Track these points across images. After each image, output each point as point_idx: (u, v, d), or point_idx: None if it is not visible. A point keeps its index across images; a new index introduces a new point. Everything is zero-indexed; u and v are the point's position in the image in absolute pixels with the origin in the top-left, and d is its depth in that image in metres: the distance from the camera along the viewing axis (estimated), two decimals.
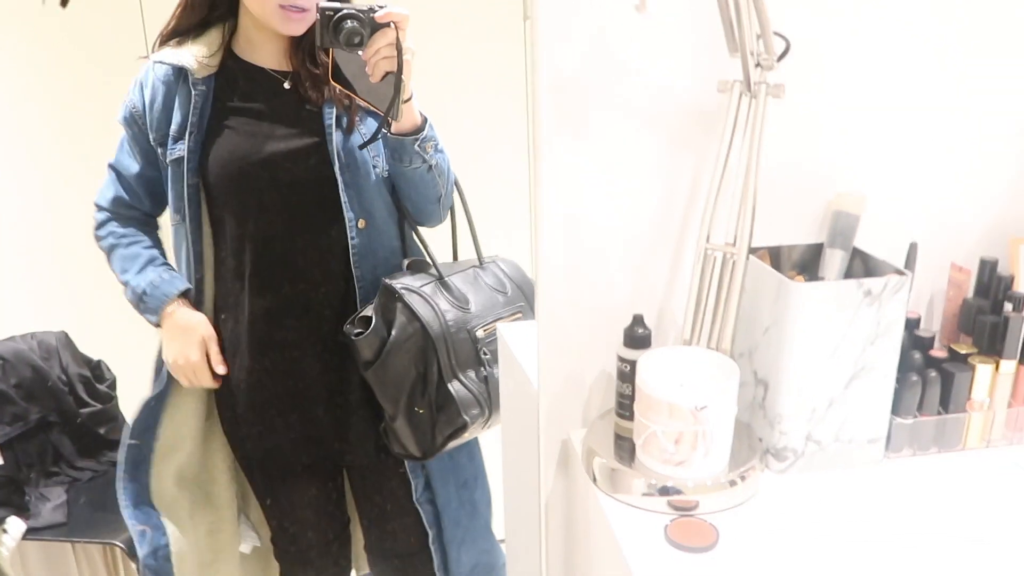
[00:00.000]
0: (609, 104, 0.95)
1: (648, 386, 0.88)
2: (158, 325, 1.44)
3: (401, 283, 1.39)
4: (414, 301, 1.38)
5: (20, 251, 2.21)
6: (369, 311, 1.39)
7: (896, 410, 0.97)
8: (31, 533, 1.69)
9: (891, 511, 0.90)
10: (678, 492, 0.90)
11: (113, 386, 2.02)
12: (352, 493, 1.64)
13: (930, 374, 0.97)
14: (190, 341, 1.42)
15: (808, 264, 1.05)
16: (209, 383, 1.45)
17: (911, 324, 1.02)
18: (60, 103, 2.09)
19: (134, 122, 1.40)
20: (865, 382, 0.93)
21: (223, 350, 1.45)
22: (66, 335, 1.99)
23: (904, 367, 0.97)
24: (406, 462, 1.52)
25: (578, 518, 1.07)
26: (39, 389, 1.86)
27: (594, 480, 0.95)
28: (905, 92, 1.03)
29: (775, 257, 1.04)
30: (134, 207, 1.47)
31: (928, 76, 1.03)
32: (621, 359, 0.97)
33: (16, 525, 1.66)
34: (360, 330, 1.38)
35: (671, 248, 1.02)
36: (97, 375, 1.99)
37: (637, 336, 0.96)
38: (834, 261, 1.00)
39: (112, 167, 1.46)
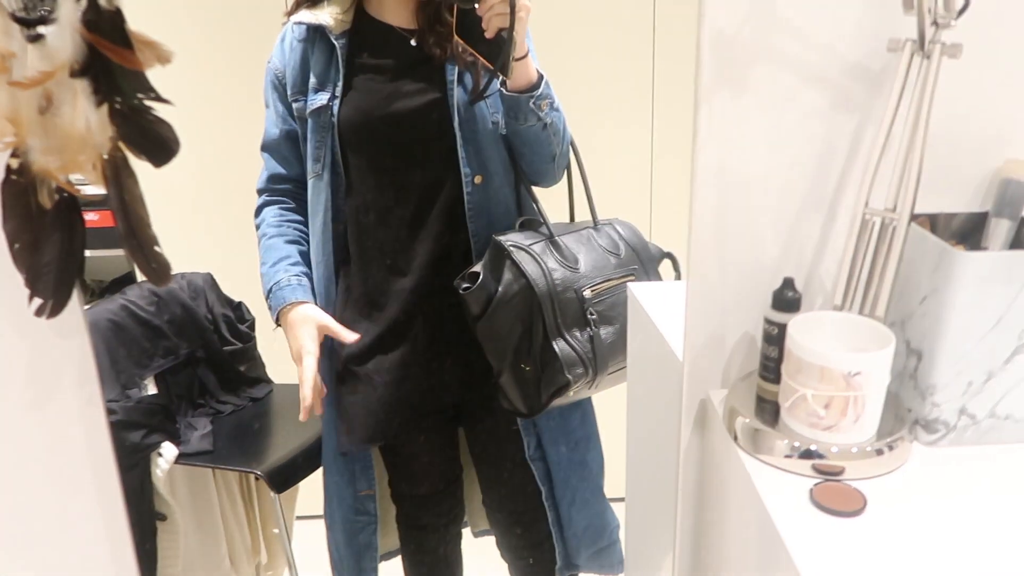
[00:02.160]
0: (769, 60, 0.94)
1: (800, 348, 0.88)
2: (277, 321, 1.52)
3: (511, 240, 1.41)
4: (522, 258, 1.39)
5: (171, 199, 2.35)
6: (479, 267, 1.41)
7: None
8: (181, 458, 1.82)
9: None
10: (822, 456, 0.89)
11: (252, 327, 2.14)
12: (469, 449, 1.69)
13: None
14: (302, 332, 1.46)
15: (968, 234, 1.01)
16: (309, 366, 1.46)
17: None
18: (205, 49, 2.20)
19: (278, 83, 1.46)
20: None
21: (353, 302, 1.50)
22: (212, 277, 2.11)
23: None
24: (519, 420, 1.55)
25: (713, 478, 1.08)
26: (188, 326, 1.98)
27: (735, 439, 0.95)
28: None
29: (933, 225, 1.01)
30: (288, 178, 1.52)
31: None
32: (768, 322, 0.96)
33: (169, 449, 1.79)
34: (469, 285, 1.40)
35: (824, 212, 1.01)
36: (239, 315, 2.11)
37: (787, 299, 0.95)
38: (1000, 231, 0.96)
39: (263, 147, 1.52)
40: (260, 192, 1.55)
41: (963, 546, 0.79)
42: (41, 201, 0.82)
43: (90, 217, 2.68)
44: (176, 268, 2.29)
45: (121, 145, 0.81)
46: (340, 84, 1.41)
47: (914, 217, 0.96)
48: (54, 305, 0.85)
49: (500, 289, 1.39)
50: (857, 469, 0.89)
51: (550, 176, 1.49)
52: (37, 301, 0.84)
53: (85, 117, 0.78)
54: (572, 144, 1.49)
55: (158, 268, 0.88)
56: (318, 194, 1.47)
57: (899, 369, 0.97)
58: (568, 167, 1.51)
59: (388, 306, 1.49)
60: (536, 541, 1.66)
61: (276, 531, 2.14)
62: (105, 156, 0.80)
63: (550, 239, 1.46)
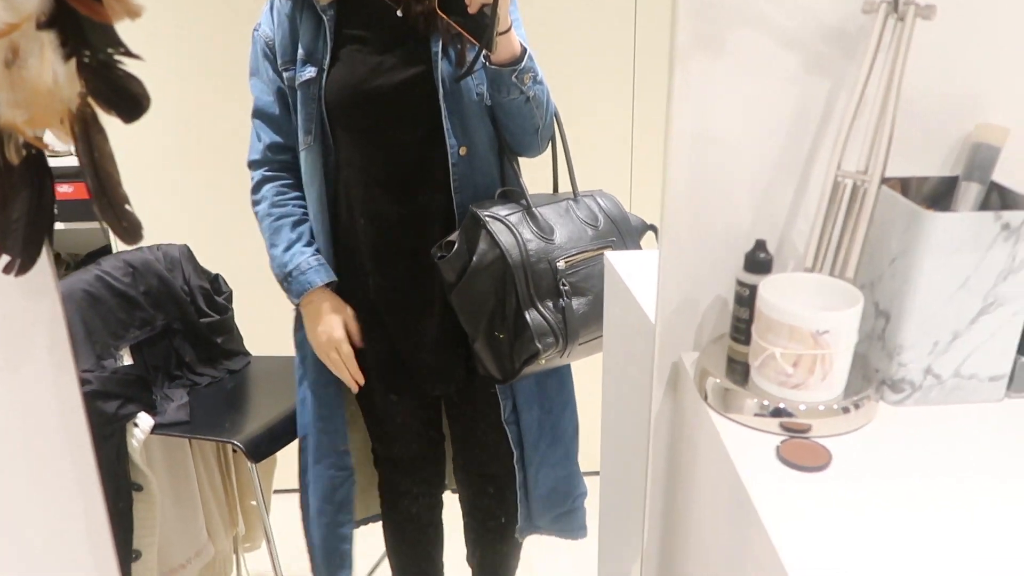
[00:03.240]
0: (745, 23, 0.94)
1: (770, 308, 0.89)
2: (298, 305, 1.55)
3: (488, 211, 1.43)
4: (497, 229, 1.41)
5: (148, 171, 2.33)
6: (455, 236, 1.43)
7: (1022, 349, 0.95)
8: (157, 429, 1.82)
9: (1008, 450, 0.89)
10: (790, 414, 0.91)
11: (230, 299, 2.13)
12: (446, 412, 1.71)
13: None
14: (333, 320, 1.52)
15: (939, 197, 1.03)
16: (348, 352, 1.54)
17: None
18: (185, 22, 2.18)
19: (268, 52, 1.46)
20: (993, 318, 0.92)
21: (345, 270, 1.53)
22: (188, 248, 2.10)
23: None
24: (497, 385, 1.58)
25: (684, 439, 1.09)
26: (164, 297, 1.97)
27: (706, 399, 0.97)
28: None
29: (904, 188, 1.02)
30: (285, 147, 1.51)
31: None
32: (740, 283, 0.97)
33: (145, 420, 1.79)
34: (444, 253, 1.43)
35: (798, 176, 1.01)
36: (215, 287, 2.10)
37: (759, 261, 0.96)
38: (969, 194, 0.98)
39: (256, 114, 1.51)
40: (256, 164, 1.54)
41: (923, 502, 0.81)
42: (8, 157, 0.81)
43: (64, 189, 2.63)
44: (152, 240, 2.27)
45: (90, 100, 0.80)
46: (328, 57, 1.41)
47: (886, 180, 0.97)
48: (23, 262, 0.84)
49: (474, 259, 1.41)
50: (823, 426, 0.90)
51: (534, 147, 1.51)
52: (5, 258, 0.83)
53: (53, 70, 0.77)
54: (556, 116, 1.49)
55: (129, 227, 0.87)
56: (312, 164, 1.48)
57: (868, 331, 0.99)
58: (552, 139, 1.52)
59: (377, 273, 1.52)
60: (505, 502, 1.70)
61: (253, 503, 2.15)
62: (74, 111, 0.79)
63: (527, 210, 1.47)
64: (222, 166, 2.33)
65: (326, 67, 1.41)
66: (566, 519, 1.74)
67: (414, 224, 1.48)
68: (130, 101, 0.81)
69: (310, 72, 1.41)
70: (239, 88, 2.27)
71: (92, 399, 1.73)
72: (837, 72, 0.97)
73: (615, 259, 1.39)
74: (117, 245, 2.39)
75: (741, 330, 0.98)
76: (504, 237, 1.41)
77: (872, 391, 0.94)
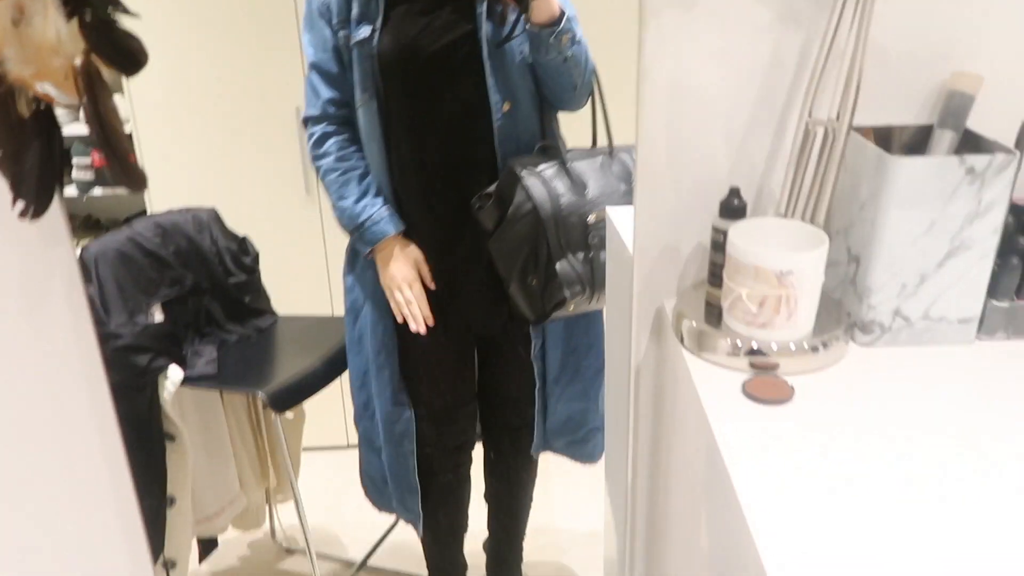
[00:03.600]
0: None
1: (737, 250, 0.92)
2: (369, 253, 1.63)
3: (525, 165, 1.50)
4: (532, 183, 1.49)
5: (178, 139, 2.42)
6: (492, 188, 1.53)
7: (993, 292, 0.97)
8: (186, 381, 1.91)
9: (976, 390, 0.91)
10: (761, 353, 0.94)
11: (256, 260, 2.21)
12: (479, 353, 1.81)
13: None
14: (406, 263, 1.61)
15: (918, 145, 1.04)
16: (420, 291, 1.63)
17: (1021, 210, 1.00)
18: None
19: (325, 10, 1.53)
20: (961, 261, 0.94)
21: (401, 217, 1.62)
22: (216, 212, 2.18)
23: (1007, 251, 0.96)
24: (530, 325, 1.69)
25: (667, 381, 1.13)
26: (193, 257, 2.06)
27: (682, 341, 1.01)
28: None
29: (886, 137, 1.04)
30: (343, 103, 1.59)
31: None
32: (715, 229, 1.01)
33: (176, 372, 1.88)
34: (481, 205, 1.52)
35: (773, 125, 1.04)
36: (242, 249, 2.18)
37: (733, 207, 0.99)
38: (943, 141, 0.99)
39: (313, 69, 1.59)
40: (315, 120, 1.62)
41: (878, 436, 0.84)
42: (20, 110, 0.88)
43: (98, 157, 2.73)
44: (181, 203, 2.36)
45: (93, 57, 0.86)
46: (380, 17, 1.49)
47: (862, 129, 0.99)
48: (36, 208, 0.91)
49: (510, 210, 1.50)
50: (791, 364, 0.93)
51: (572, 103, 1.59)
52: (20, 204, 0.90)
53: (56, 28, 0.83)
54: (595, 73, 1.57)
55: (133, 175, 0.93)
56: (371, 120, 1.57)
57: (841, 276, 1.01)
58: (591, 94, 1.59)
59: (427, 220, 1.62)
60: (523, 423, 1.83)
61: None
62: (78, 67, 0.86)
63: (563, 165, 1.55)
64: (249, 135, 2.41)
65: (378, 27, 1.49)
66: (578, 446, 1.88)
67: (460, 174, 1.57)
68: (129, 57, 0.87)
69: (364, 32, 1.50)
70: (270, 59, 2.35)
71: (124, 353, 1.83)
72: (810, 23, 0.99)
73: (614, 214, 1.42)
74: (151, 209, 2.50)
75: (717, 275, 1.01)
76: (537, 192, 1.49)
77: (842, 332, 0.97)
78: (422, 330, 1.64)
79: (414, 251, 1.63)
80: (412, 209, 1.62)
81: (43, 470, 1.08)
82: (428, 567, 2.04)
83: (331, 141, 1.60)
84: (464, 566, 2.07)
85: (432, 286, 1.64)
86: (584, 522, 2.40)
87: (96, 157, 2.78)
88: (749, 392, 0.89)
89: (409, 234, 1.63)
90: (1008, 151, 0.91)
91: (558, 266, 1.51)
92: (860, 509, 0.73)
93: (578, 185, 1.53)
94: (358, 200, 1.60)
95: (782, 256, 0.89)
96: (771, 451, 0.82)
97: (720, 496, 0.83)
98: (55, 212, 0.95)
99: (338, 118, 1.60)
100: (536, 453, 1.91)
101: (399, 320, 1.66)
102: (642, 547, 1.36)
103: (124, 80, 2.33)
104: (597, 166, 1.59)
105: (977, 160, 0.89)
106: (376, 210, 1.59)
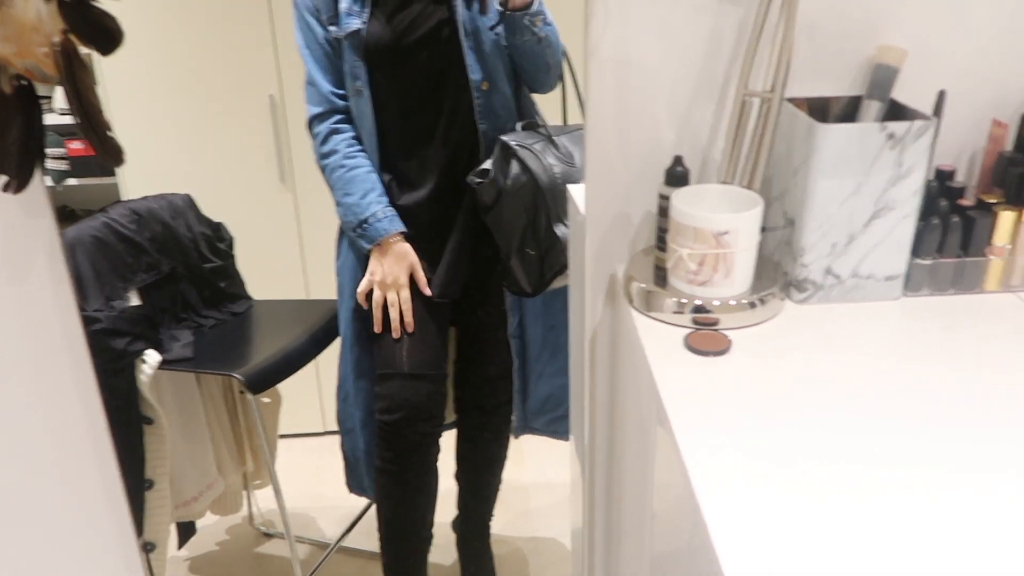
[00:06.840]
0: None
1: (678, 213, 0.99)
2: (368, 250, 1.69)
3: (516, 140, 1.60)
4: (526, 156, 1.59)
5: (154, 127, 2.46)
6: (488, 164, 1.61)
7: (917, 251, 1.05)
8: (164, 365, 1.96)
9: (902, 343, 0.98)
10: (704, 310, 1.01)
11: (231, 246, 2.26)
12: (457, 332, 1.88)
13: (952, 219, 1.04)
14: (401, 266, 1.67)
15: (849, 116, 1.12)
16: (407, 296, 1.68)
17: (944, 175, 1.08)
18: None
19: (314, 9, 1.61)
20: (885, 221, 1.01)
21: (394, 189, 1.70)
22: (190, 198, 2.22)
23: (929, 212, 1.04)
24: (507, 302, 1.77)
25: (621, 343, 1.20)
26: (169, 243, 2.10)
27: (631, 301, 1.08)
28: None
29: (823, 108, 1.11)
30: (343, 96, 1.66)
31: None
32: (661, 196, 1.08)
33: (153, 356, 1.92)
34: (480, 180, 1.60)
35: (715, 98, 1.11)
36: (217, 235, 2.23)
37: (676, 174, 1.06)
38: (870, 111, 1.07)
39: (312, 66, 1.64)
40: (321, 117, 1.68)
41: (805, 381, 0.91)
42: (3, 87, 0.93)
43: (76, 146, 2.76)
44: (156, 190, 2.40)
45: (71, 36, 0.92)
46: (367, 9, 1.58)
47: (794, 100, 1.07)
48: (19, 182, 0.96)
49: (508, 182, 1.59)
50: (730, 319, 1.01)
51: (547, 84, 1.70)
52: (3, 178, 0.95)
53: (36, 8, 0.89)
54: (565, 53, 1.67)
55: (111, 149, 0.99)
56: (362, 108, 1.64)
57: (779, 239, 1.09)
58: (561, 75, 1.69)
59: (411, 191, 1.69)
60: (500, 403, 1.90)
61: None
62: (57, 45, 0.91)
63: (548, 139, 1.64)
64: (224, 124, 2.46)
65: (366, 19, 1.57)
66: (559, 423, 1.95)
67: (443, 149, 1.66)
68: (105, 36, 0.93)
69: (354, 23, 1.58)
70: (248, 48, 2.39)
71: (102, 336, 1.87)
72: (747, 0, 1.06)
73: (574, 189, 1.49)
74: (125, 195, 2.53)
75: (663, 239, 1.08)
76: (533, 163, 1.59)
77: (778, 290, 1.04)
78: (395, 335, 1.70)
79: (412, 255, 1.69)
80: (397, 184, 1.69)
81: (26, 439, 1.13)
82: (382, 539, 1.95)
83: (337, 138, 1.67)
84: (428, 539, 2.06)
85: (427, 292, 1.70)
86: (553, 494, 2.48)
87: (71, 147, 2.81)
88: (690, 344, 0.97)
89: (392, 204, 1.70)
90: (926, 118, 0.99)
91: (558, 231, 1.60)
92: (788, 447, 0.80)
93: (566, 156, 1.63)
94: (363, 197, 1.66)
95: (719, 217, 0.96)
96: (708, 397, 0.89)
97: (664, 442, 0.90)
98: (36, 186, 1.00)
99: (340, 112, 1.67)
100: (518, 435, 1.96)
101: (376, 326, 1.71)
102: (602, 513, 1.43)
103: (99, 67, 2.36)
104: (577, 139, 1.69)
105: (897, 127, 0.97)
106: (379, 208, 1.66)
